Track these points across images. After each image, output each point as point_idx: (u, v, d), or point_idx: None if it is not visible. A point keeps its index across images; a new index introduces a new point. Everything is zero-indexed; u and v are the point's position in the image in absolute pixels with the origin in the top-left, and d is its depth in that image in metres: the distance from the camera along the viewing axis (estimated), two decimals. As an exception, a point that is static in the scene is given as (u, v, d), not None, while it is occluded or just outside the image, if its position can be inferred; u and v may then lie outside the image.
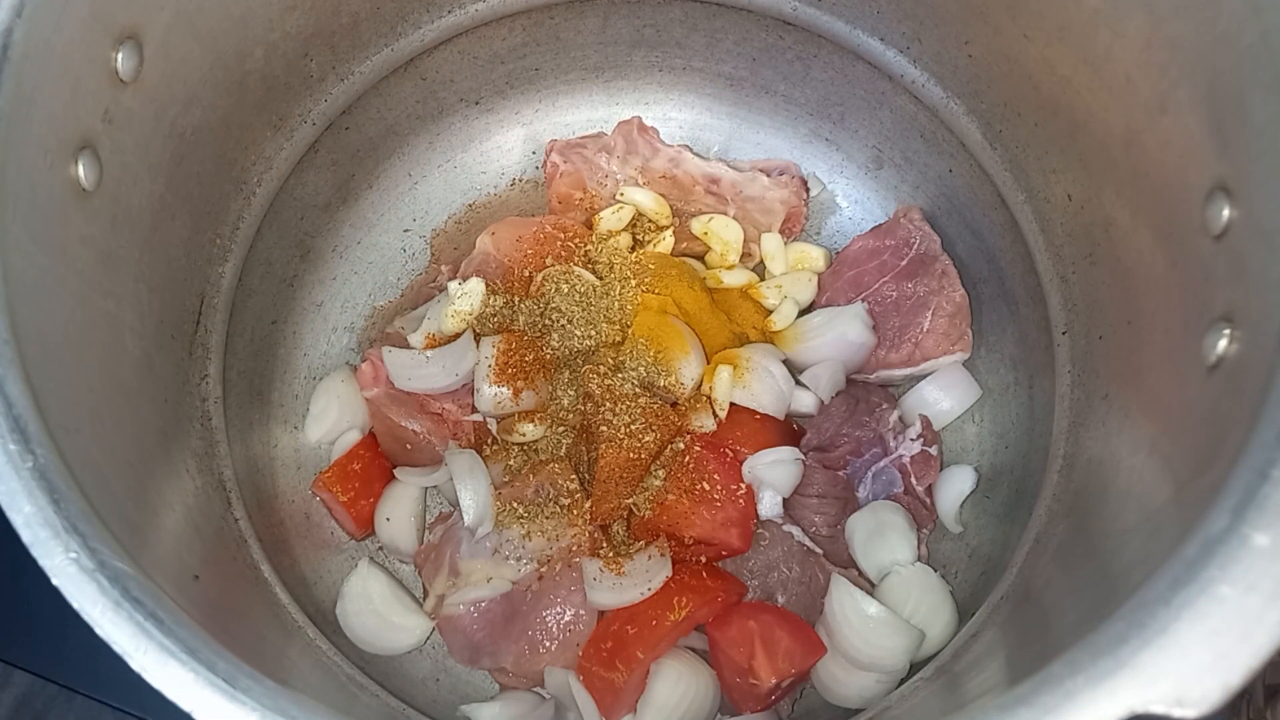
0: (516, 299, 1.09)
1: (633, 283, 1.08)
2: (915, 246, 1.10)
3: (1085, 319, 0.93)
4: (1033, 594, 0.87)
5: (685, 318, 1.07)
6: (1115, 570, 0.71)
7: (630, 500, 1.01)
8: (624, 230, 1.14)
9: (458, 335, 1.07)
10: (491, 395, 1.03)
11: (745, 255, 1.15)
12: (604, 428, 1.01)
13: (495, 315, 1.07)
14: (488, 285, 1.08)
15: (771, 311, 1.11)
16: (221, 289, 0.99)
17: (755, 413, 1.03)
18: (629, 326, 1.06)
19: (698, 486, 0.99)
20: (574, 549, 1.00)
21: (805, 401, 1.06)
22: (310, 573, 1.03)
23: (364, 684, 0.94)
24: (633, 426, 1.01)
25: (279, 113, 1.01)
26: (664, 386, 1.03)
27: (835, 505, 1.03)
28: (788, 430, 1.05)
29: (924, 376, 1.09)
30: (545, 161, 1.17)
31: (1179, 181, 0.74)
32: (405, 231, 1.19)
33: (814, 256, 1.15)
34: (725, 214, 1.15)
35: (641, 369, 1.03)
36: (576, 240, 1.12)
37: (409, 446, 1.06)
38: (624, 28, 1.13)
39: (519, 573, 0.99)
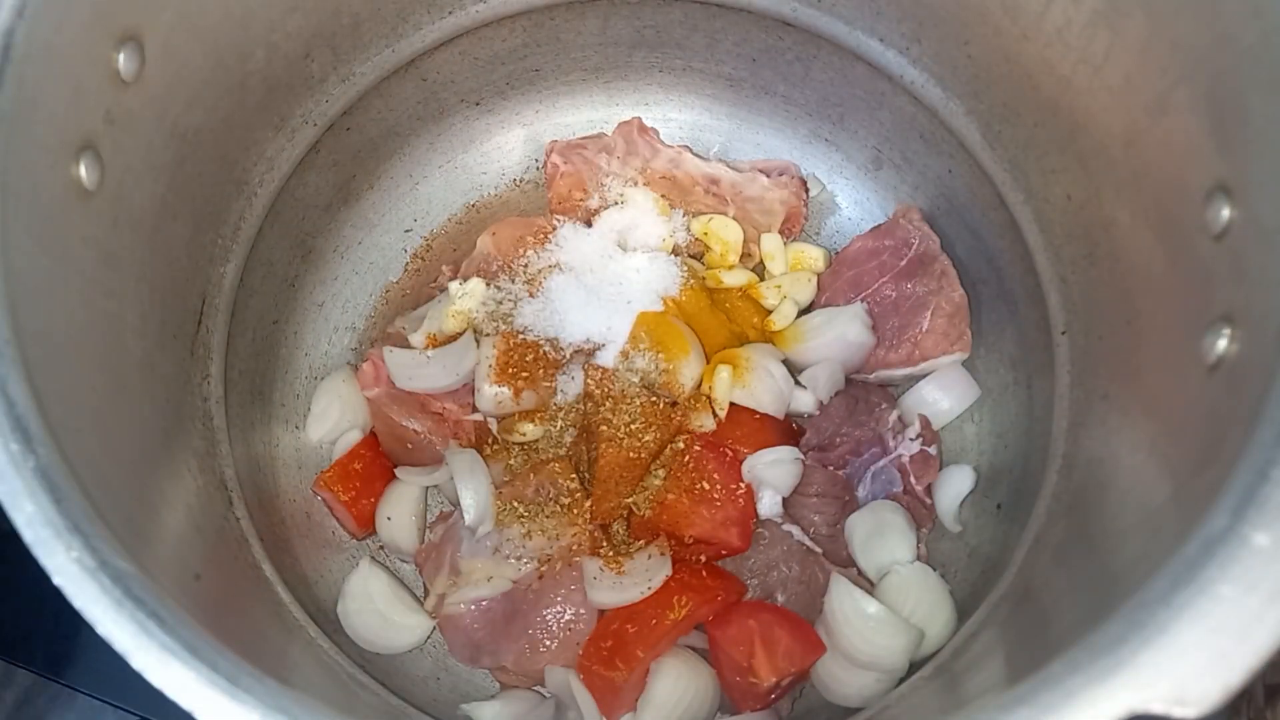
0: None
1: (633, 282, 1.08)
2: (914, 247, 1.10)
3: (1085, 319, 0.93)
4: (1032, 593, 0.87)
5: (685, 317, 1.07)
6: (1115, 570, 0.72)
7: (630, 499, 1.01)
8: (624, 230, 1.14)
9: (458, 335, 1.07)
10: (492, 395, 1.03)
11: (745, 255, 1.15)
12: (604, 427, 1.01)
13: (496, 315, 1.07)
14: (488, 285, 1.08)
15: (771, 311, 1.11)
16: (223, 289, 0.99)
17: (755, 412, 1.04)
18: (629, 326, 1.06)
19: (698, 486, 0.99)
20: (574, 548, 1.00)
21: (804, 401, 1.06)
22: (311, 572, 1.03)
23: (365, 683, 0.94)
24: (633, 426, 1.01)
25: (280, 113, 1.01)
26: (664, 386, 1.04)
27: (835, 505, 1.03)
28: (787, 430, 1.06)
29: (923, 376, 1.09)
30: (545, 162, 1.17)
31: (1179, 181, 0.75)
32: (406, 232, 1.19)
33: (813, 257, 1.15)
34: (725, 214, 1.15)
35: (641, 368, 1.03)
36: (576, 240, 1.12)
37: (410, 446, 1.06)
38: (624, 28, 1.13)
39: (519, 572, 0.99)
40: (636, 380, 1.03)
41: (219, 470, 0.95)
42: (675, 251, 1.13)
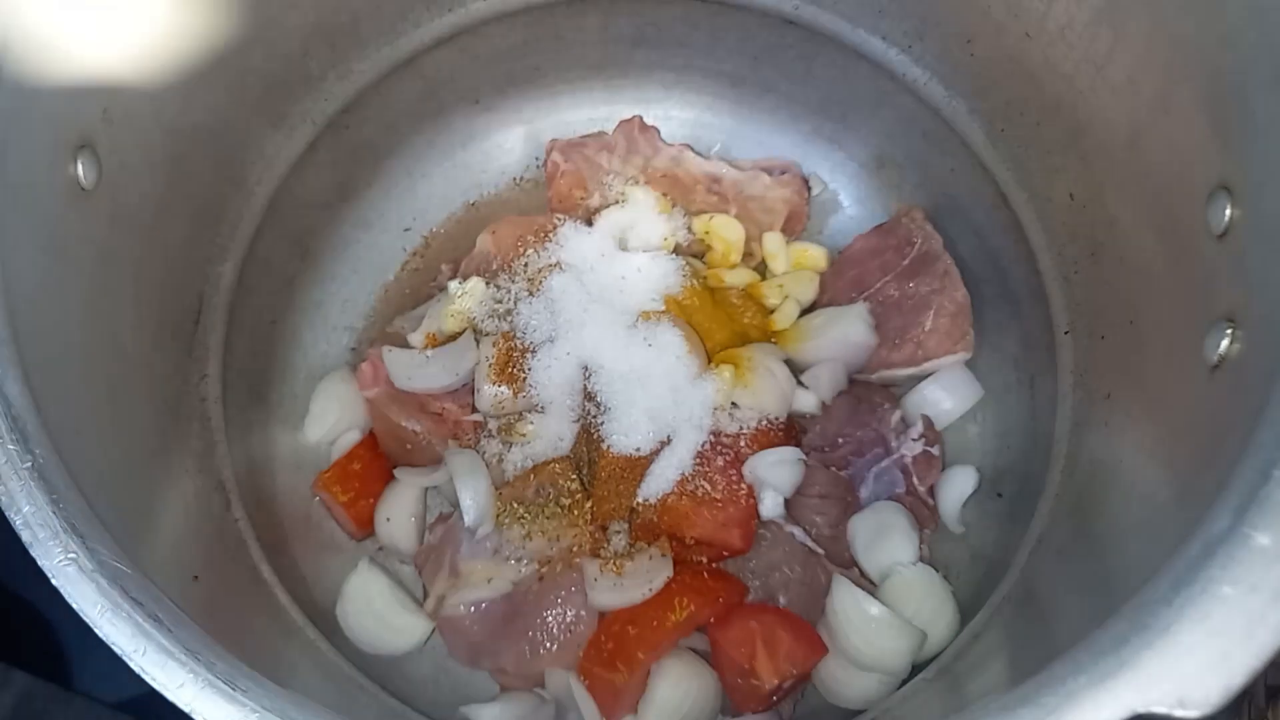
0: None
1: (634, 282, 1.08)
2: (917, 246, 1.10)
3: (1087, 319, 0.93)
4: (1035, 594, 0.87)
5: (687, 317, 1.07)
6: (1117, 570, 0.72)
7: (631, 500, 1.01)
8: (625, 229, 1.14)
9: (458, 335, 1.07)
10: (491, 395, 1.03)
11: (747, 254, 1.15)
12: (605, 427, 1.01)
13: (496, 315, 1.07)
14: (488, 284, 1.08)
15: (773, 311, 1.11)
16: (221, 288, 0.99)
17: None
18: (630, 326, 1.06)
19: (699, 487, 0.99)
20: (575, 549, 0.99)
21: (807, 401, 1.06)
22: (310, 573, 1.03)
23: (364, 685, 0.94)
24: (634, 426, 1.01)
25: (278, 111, 1.01)
26: (665, 386, 1.03)
27: (837, 505, 1.03)
28: (789, 430, 1.05)
29: (926, 376, 1.09)
30: (546, 160, 1.17)
31: (1181, 181, 0.74)
32: (405, 230, 1.19)
33: (816, 256, 1.15)
34: (727, 213, 1.14)
35: (642, 368, 1.03)
36: (577, 239, 1.12)
37: (409, 446, 1.06)
38: (625, 26, 1.13)
39: (519, 573, 0.99)
40: (637, 380, 1.03)
41: (217, 471, 0.95)
42: (677, 250, 1.13)
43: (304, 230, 1.10)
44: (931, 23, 0.99)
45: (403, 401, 1.06)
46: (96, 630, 0.57)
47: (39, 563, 0.58)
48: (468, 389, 1.06)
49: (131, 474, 0.76)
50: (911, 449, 1.05)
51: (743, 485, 1.00)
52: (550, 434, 1.04)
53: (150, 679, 0.56)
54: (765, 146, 1.20)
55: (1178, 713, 0.51)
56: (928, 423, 1.06)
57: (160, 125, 0.84)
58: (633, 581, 0.96)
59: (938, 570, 1.01)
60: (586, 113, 1.21)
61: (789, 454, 1.00)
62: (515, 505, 1.00)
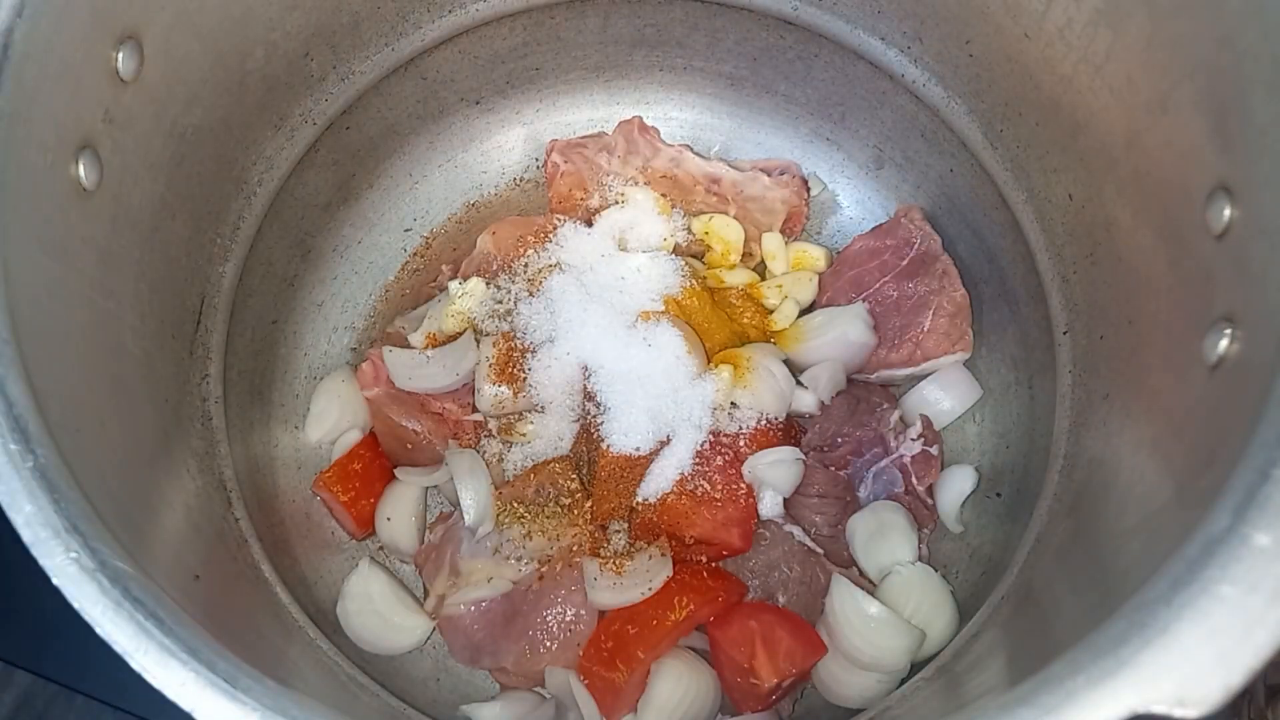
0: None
1: (634, 282, 1.08)
2: (916, 246, 1.10)
3: (1086, 319, 0.93)
4: (1034, 594, 0.87)
5: (686, 317, 1.07)
6: (1116, 570, 0.71)
7: (631, 500, 1.01)
8: (625, 230, 1.14)
9: (458, 335, 1.07)
10: (491, 395, 1.03)
11: (746, 255, 1.15)
12: (605, 427, 1.01)
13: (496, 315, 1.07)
14: (488, 285, 1.08)
15: (772, 311, 1.11)
16: (222, 289, 0.99)
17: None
18: (630, 326, 1.06)
19: (699, 486, 0.99)
20: (575, 549, 1.00)
21: (806, 401, 1.06)
22: (311, 572, 1.03)
23: (364, 684, 0.94)
24: (633, 426, 1.01)
25: (280, 112, 1.01)
26: (665, 386, 1.03)
27: (836, 505, 1.03)
28: (788, 430, 1.05)
29: (925, 376, 1.09)
30: (546, 161, 1.17)
31: (1180, 181, 0.74)
32: (406, 231, 1.19)
33: (815, 256, 1.15)
34: (726, 214, 1.15)
35: (642, 368, 1.03)
36: (577, 240, 1.12)
37: (410, 446, 1.06)
38: (625, 27, 1.13)
39: (519, 572, 0.99)
40: (637, 380, 1.03)
41: (218, 470, 0.95)
42: (676, 251, 1.13)
43: (305, 231, 1.11)
44: (930, 23, 0.99)
45: (403, 401, 1.06)
46: (98, 630, 0.57)
47: (40, 562, 0.58)
48: (468, 389, 1.06)
49: (133, 473, 0.76)
50: (910, 449, 1.05)
51: (742, 485, 1.00)
52: (550, 434, 1.04)
53: (151, 678, 0.56)
54: (765, 147, 1.20)
55: (1177, 712, 0.51)
56: (926, 422, 1.06)
57: (162, 126, 0.84)
58: (632, 581, 0.96)
59: (936, 570, 1.01)
60: (586, 114, 1.21)
61: (788, 454, 1.01)
62: (515, 505, 1.00)
